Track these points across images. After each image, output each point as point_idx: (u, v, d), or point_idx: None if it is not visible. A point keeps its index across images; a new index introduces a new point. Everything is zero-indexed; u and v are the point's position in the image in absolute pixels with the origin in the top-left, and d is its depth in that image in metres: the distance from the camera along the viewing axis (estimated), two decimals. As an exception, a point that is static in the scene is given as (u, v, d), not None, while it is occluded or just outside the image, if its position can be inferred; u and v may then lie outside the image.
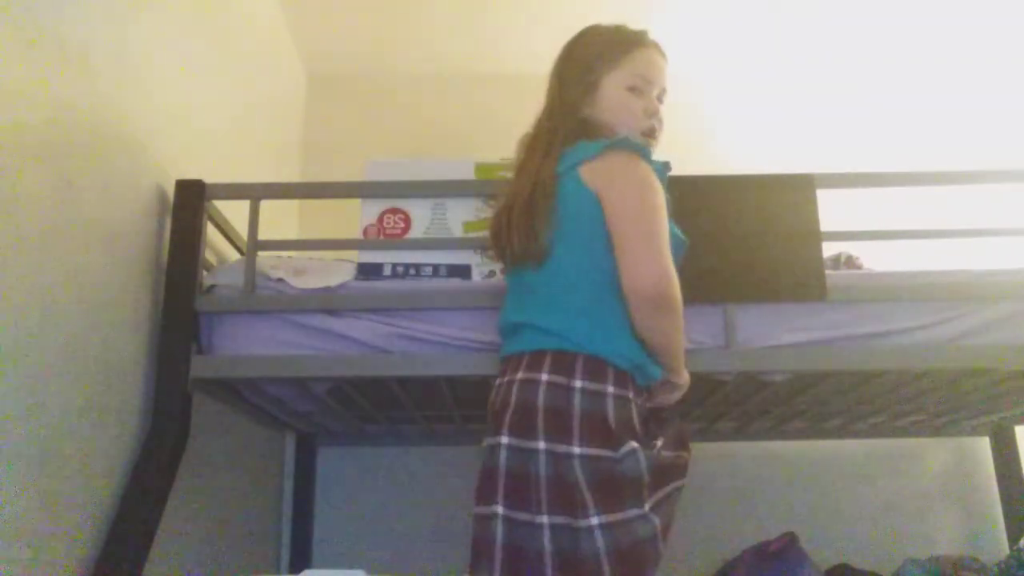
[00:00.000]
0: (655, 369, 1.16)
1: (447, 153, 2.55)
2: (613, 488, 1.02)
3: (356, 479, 2.36)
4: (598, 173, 1.16)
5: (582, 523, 1.00)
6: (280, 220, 2.34)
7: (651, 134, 1.26)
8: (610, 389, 1.08)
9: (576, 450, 1.02)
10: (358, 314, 1.49)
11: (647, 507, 1.06)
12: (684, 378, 1.23)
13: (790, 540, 2.05)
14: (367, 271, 1.56)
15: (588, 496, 1.01)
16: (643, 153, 1.19)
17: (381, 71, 2.75)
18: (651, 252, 1.10)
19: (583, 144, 1.20)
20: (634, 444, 1.06)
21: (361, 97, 2.76)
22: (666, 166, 1.25)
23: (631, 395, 1.11)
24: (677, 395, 1.25)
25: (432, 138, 2.66)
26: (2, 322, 1.03)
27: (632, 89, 1.25)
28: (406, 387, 1.63)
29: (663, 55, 1.32)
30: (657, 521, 1.06)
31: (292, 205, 2.53)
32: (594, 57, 1.28)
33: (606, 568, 0.99)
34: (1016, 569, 1.90)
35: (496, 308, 1.36)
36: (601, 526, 1.00)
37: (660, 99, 1.29)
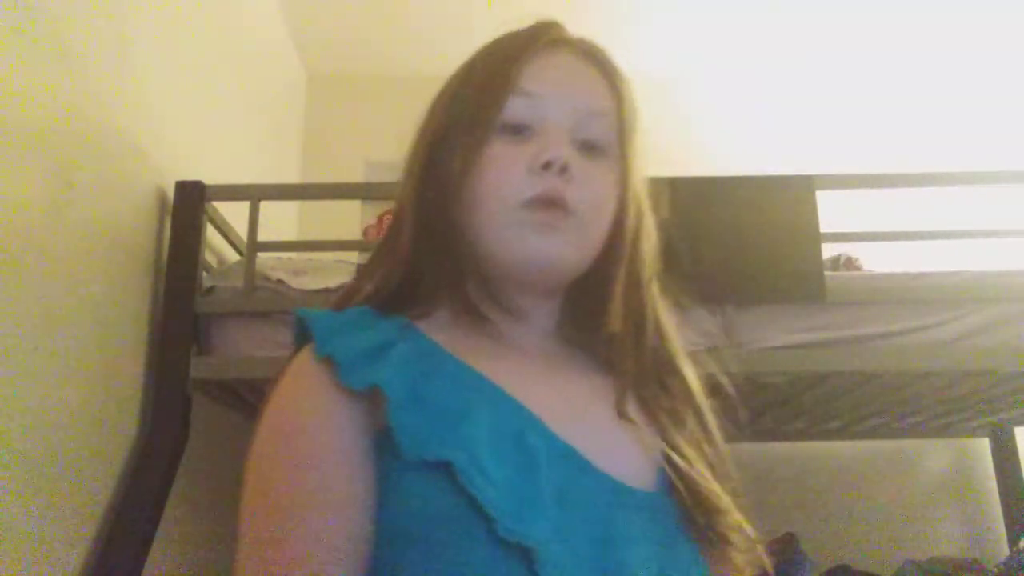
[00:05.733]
0: None
1: (447, 153, 2.55)
2: None
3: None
4: None
5: None
6: (280, 221, 2.34)
7: (548, 204, 0.63)
8: None
9: None
10: (358, 315, 1.49)
11: None
12: None
13: (790, 540, 2.05)
14: (367, 272, 1.56)
15: None
16: (316, 335, 0.60)
17: (381, 71, 2.75)
18: None
19: None
20: None
21: (361, 97, 2.76)
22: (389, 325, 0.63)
23: None
24: None
25: (432, 138, 2.65)
26: (1, 323, 1.03)
27: (510, 130, 0.65)
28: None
29: (580, 51, 0.70)
30: None
31: (292, 206, 2.53)
32: (447, 111, 0.69)
33: None
34: (1016, 570, 1.90)
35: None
36: None
37: (585, 129, 0.66)
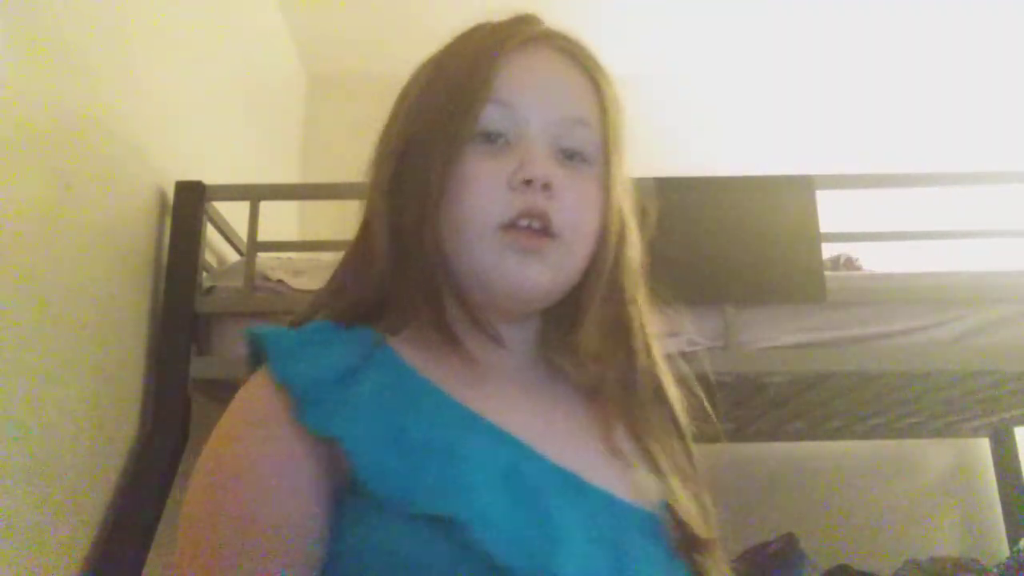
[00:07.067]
0: None
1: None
2: None
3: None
4: None
5: None
6: (280, 221, 2.34)
7: (529, 227, 0.58)
8: None
9: None
10: (357, 315, 1.49)
11: None
12: None
13: (790, 540, 2.05)
14: (367, 272, 1.56)
15: None
16: (271, 357, 0.58)
17: (381, 71, 2.75)
18: None
19: None
20: None
21: (361, 97, 2.76)
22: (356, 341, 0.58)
23: None
24: None
25: (432, 138, 2.65)
26: (1, 323, 1.03)
27: (485, 139, 0.60)
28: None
29: (560, 49, 0.64)
30: None
31: (292, 206, 2.53)
32: (415, 117, 0.63)
33: None
34: (1016, 570, 1.90)
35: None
36: None
37: (567, 138, 0.61)
